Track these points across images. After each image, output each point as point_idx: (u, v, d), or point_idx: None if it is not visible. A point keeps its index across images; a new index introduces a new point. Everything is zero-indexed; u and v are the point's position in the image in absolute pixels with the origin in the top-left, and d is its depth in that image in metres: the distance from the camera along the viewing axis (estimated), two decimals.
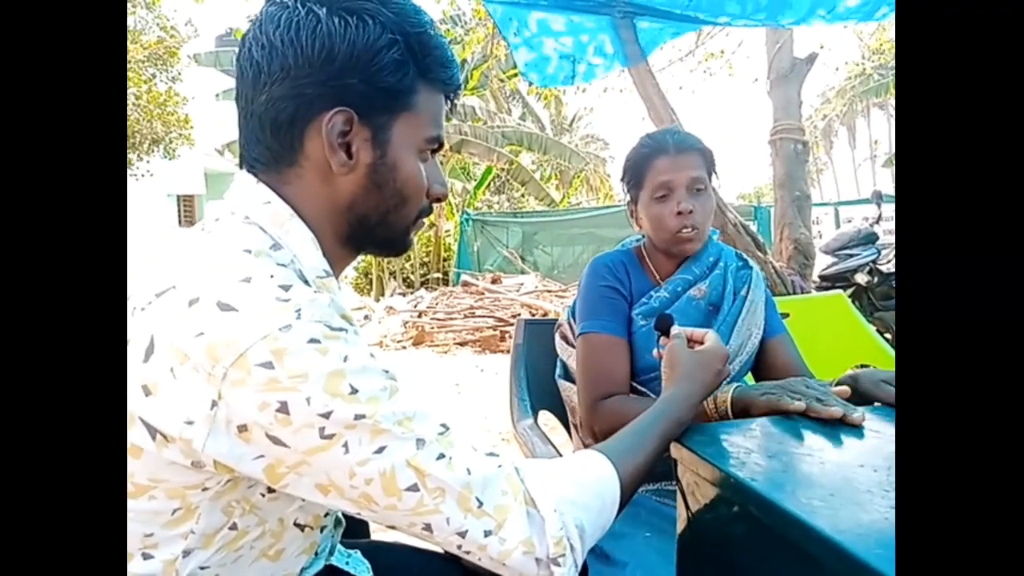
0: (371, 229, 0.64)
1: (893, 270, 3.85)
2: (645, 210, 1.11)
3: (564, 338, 1.23)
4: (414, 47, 0.60)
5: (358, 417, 0.49)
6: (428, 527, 0.52)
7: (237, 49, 0.61)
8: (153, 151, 10.12)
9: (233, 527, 0.55)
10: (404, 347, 6.56)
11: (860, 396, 0.84)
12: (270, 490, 0.54)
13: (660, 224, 1.09)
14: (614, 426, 0.72)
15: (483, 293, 7.72)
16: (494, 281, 8.50)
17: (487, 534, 0.53)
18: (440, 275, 11.65)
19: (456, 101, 0.67)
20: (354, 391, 0.49)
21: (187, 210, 14.29)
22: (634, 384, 1.11)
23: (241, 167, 0.63)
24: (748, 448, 0.65)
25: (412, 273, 11.96)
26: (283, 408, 0.47)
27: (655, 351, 0.87)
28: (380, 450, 0.50)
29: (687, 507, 0.67)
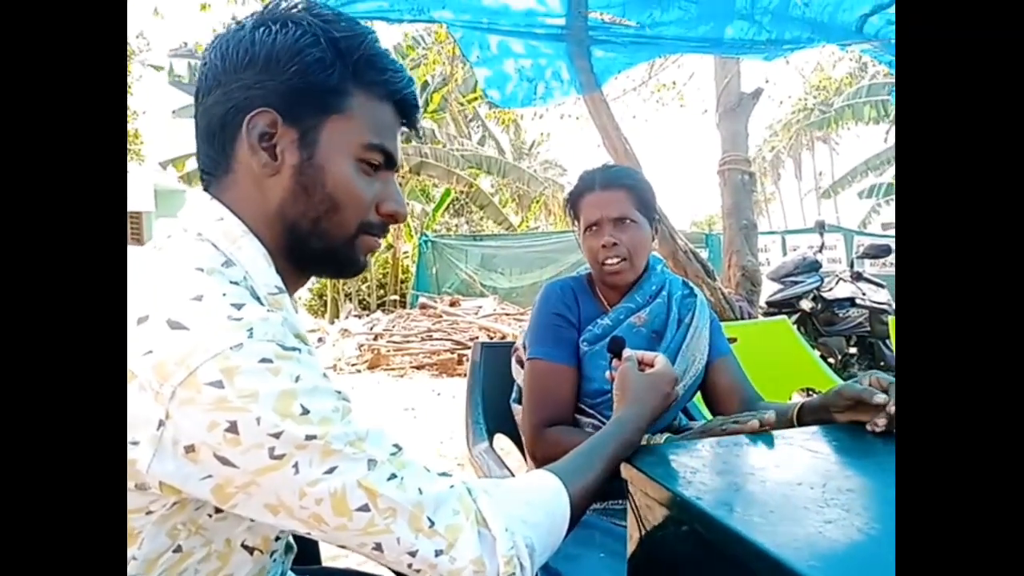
0: (305, 238, 0.62)
1: (836, 297, 4.03)
2: (582, 242, 1.19)
3: (520, 362, 1.24)
4: (340, 47, 0.60)
5: (309, 437, 0.48)
6: (378, 547, 0.52)
7: (189, 61, 0.63)
8: None
9: (177, 549, 0.53)
10: (359, 370, 6.44)
11: (843, 405, 0.83)
12: (217, 510, 0.53)
13: (592, 256, 1.17)
14: (552, 455, 0.73)
15: (441, 316, 7.67)
16: (452, 304, 8.46)
17: (438, 553, 0.53)
18: (397, 297, 11.51)
19: (414, 116, 0.67)
20: (305, 411, 0.49)
21: (134, 228, 13.72)
22: (583, 407, 1.14)
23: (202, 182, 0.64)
24: (695, 468, 0.67)
25: (368, 295, 11.78)
26: (232, 428, 0.46)
27: (608, 373, 0.90)
28: (331, 471, 0.49)
29: (638, 526, 0.69)
